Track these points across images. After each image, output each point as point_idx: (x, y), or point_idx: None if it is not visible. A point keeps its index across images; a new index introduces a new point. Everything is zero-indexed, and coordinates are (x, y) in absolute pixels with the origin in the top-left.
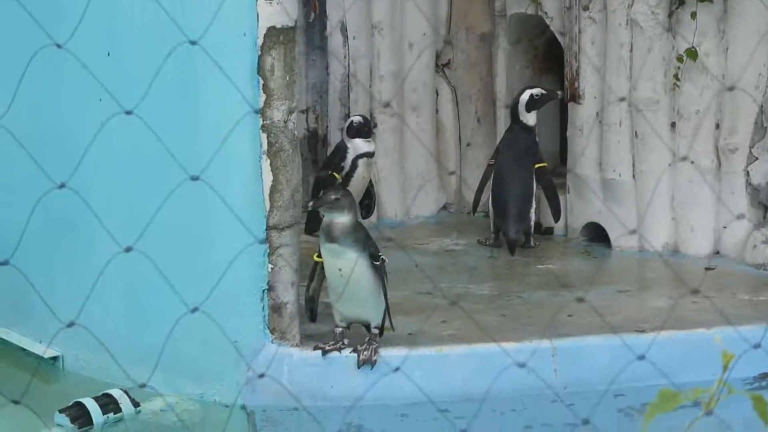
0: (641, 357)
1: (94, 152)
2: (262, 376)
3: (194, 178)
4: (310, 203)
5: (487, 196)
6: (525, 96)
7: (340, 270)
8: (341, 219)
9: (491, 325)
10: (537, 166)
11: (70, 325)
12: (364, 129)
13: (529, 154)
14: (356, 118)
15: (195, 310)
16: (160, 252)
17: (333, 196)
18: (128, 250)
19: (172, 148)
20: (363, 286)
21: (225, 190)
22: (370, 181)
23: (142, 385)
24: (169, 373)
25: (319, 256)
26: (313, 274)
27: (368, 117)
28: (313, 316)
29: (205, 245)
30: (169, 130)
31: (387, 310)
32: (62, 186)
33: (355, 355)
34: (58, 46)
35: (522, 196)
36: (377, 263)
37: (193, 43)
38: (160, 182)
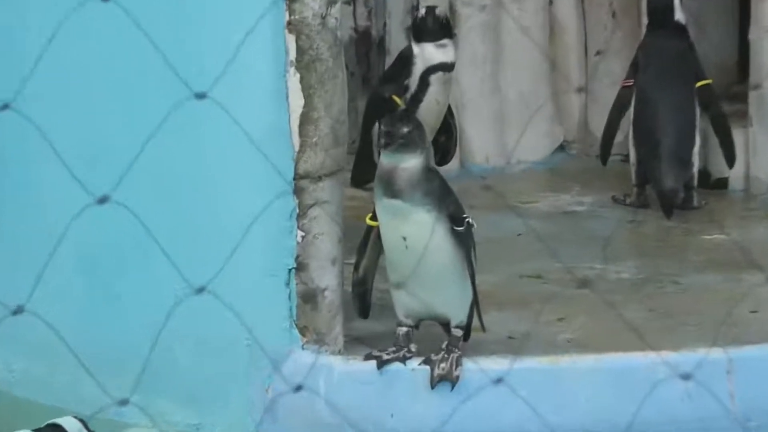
0: None
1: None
2: (295, 391)
3: (199, 97)
4: (364, 139)
5: (626, 131)
6: None
7: (404, 240)
8: (410, 163)
9: (633, 325)
10: (700, 84)
11: (18, 311)
12: (440, 28)
13: (687, 68)
14: (422, 12)
15: (201, 290)
16: (140, 210)
17: (402, 128)
18: (103, 201)
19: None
20: (440, 264)
21: (234, 119)
22: (449, 108)
23: (123, 402)
24: (149, 393)
25: (374, 218)
26: (364, 246)
27: (446, 10)
28: (364, 309)
29: (205, 202)
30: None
31: (475, 300)
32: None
33: (428, 368)
34: None
35: (679, 130)
36: (461, 229)
37: None
38: (140, 104)
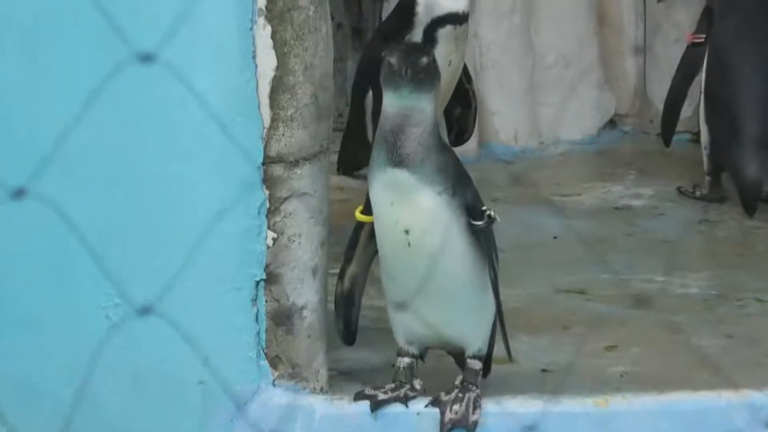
0: None
1: None
2: None
3: (143, 59)
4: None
5: (695, 102)
6: None
7: (407, 234)
8: (425, 112)
9: (707, 354)
10: None
11: None
12: None
13: None
14: None
15: (144, 311)
16: (63, 206)
17: (422, 57)
18: (18, 195)
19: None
20: (452, 270)
21: (187, 86)
22: (465, 70)
23: None
24: None
25: (366, 211)
26: (352, 248)
27: None
28: (349, 333)
29: (148, 196)
30: None
31: (500, 320)
32: None
33: (437, 411)
34: None
35: (767, 101)
36: (480, 224)
37: None
38: (67, 69)
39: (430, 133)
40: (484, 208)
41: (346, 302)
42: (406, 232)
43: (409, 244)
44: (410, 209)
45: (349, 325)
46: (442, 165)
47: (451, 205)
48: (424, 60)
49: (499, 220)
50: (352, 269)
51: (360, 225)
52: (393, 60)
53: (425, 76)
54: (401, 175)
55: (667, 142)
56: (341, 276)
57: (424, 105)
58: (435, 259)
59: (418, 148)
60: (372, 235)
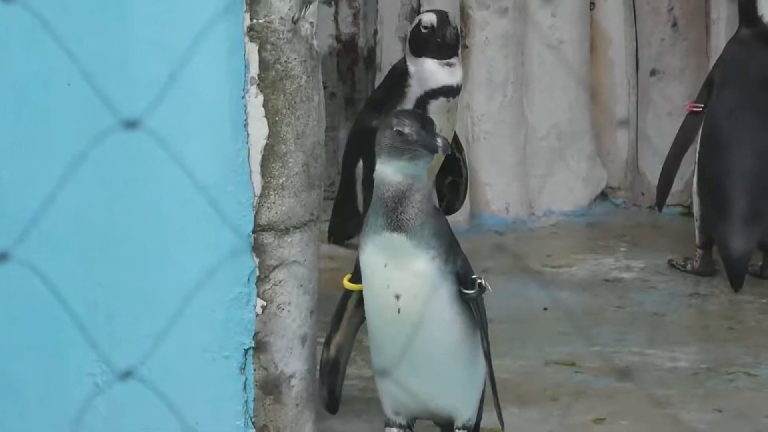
0: None
1: None
2: None
3: (129, 125)
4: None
5: (688, 175)
6: None
7: (397, 299)
8: (423, 180)
9: (696, 429)
10: None
11: None
12: (444, 40)
13: None
14: (428, 18)
15: (126, 375)
16: (47, 272)
17: (425, 125)
18: (2, 258)
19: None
20: (440, 338)
21: (176, 154)
22: (456, 140)
23: None
24: None
25: (354, 279)
26: (339, 315)
27: (455, 18)
28: (333, 400)
29: (135, 262)
30: (78, 39)
31: (493, 391)
32: None
33: None
34: None
35: (758, 176)
36: (471, 293)
37: None
38: (51, 135)
39: (428, 200)
40: (474, 276)
41: (332, 370)
42: (397, 297)
43: (399, 310)
44: (404, 272)
45: (333, 391)
46: (437, 230)
47: (444, 272)
48: (427, 128)
49: (490, 289)
50: (338, 337)
51: (347, 293)
52: (406, 129)
53: (424, 147)
54: (399, 239)
55: (660, 207)
56: (327, 344)
57: (423, 172)
58: (423, 326)
59: (419, 213)
60: (359, 303)
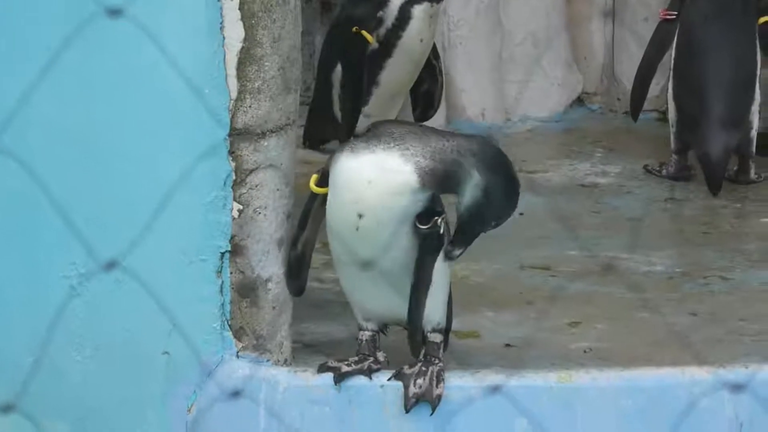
0: None
1: None
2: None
3: (113, 13)
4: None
5: (663, 81)
6: None
7: (360, 217)
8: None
9: (672, 332)
10: (764, 20)
11: None
12: None
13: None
14: None
15: (110, 266)
16: (33, 160)
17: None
18: None
19: None
20: (399, 257)
21: (158, 47)
22: (434, 48)
23: None
24: (32, 415)
25: (321, 183)
26: (306, 215)
27: None
28: (299, 284)
29: (112, 162)
30: None
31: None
32: None
33: (401, 384)
34: None
35: (734, 80)
36: (423, 228)
37: None
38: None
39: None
40: (437, 218)
41: (299, 264)
42: (360, 216)
43: (357, 228)
44: (378, 194)
45: (299, 278)
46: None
47: (416, 199)
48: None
49: (442, 232)
50: (306, 234)
51: (313, 197)
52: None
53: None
54: (388, 156)
55: (635, 117)
56: (295, 243)
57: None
58: (379, 247)
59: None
60: (324, 202)
